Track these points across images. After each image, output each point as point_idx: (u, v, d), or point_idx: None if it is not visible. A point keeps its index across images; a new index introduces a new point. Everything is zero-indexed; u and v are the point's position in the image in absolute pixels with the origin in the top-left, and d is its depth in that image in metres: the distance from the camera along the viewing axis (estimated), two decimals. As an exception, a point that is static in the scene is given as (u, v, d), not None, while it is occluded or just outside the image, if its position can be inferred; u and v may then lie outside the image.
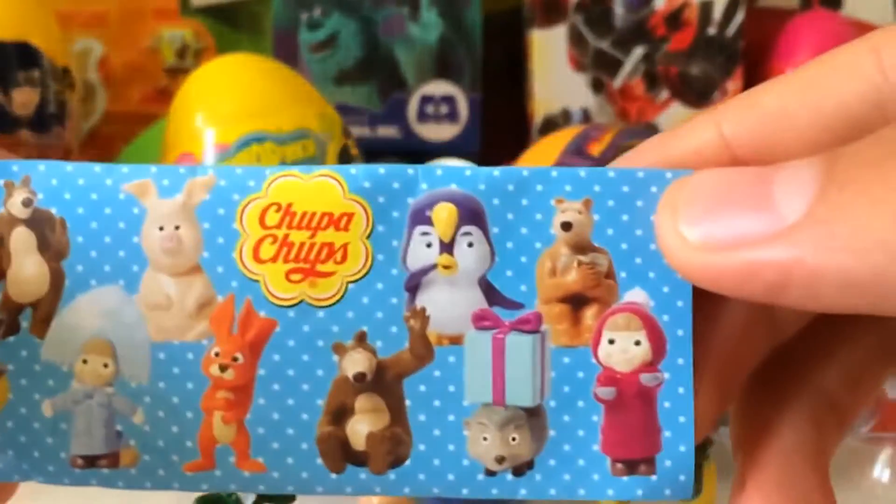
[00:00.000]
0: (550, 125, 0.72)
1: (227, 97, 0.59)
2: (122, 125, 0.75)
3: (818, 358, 0.27)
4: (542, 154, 0.63)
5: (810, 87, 0.25)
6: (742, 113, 0.26)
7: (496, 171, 0.26)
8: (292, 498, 0.50)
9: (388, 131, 0.73)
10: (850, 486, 0.57)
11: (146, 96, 0.77)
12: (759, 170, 0.24)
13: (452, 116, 0.72)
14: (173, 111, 0.61)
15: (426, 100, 0.72)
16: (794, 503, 0.26)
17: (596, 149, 0.60)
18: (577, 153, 0.61)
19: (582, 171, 0.26)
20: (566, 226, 0.26)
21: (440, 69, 0.72)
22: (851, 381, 0.27)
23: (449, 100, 0.72)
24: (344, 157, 0.61)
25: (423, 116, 0.72)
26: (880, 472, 0.58)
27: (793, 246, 0.22)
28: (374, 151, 0.71)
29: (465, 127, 0.72)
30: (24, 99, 0.59)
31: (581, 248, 0.26)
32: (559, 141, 0.63)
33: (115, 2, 0.75)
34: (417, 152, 0.72)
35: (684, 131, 0.27)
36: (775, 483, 0.26)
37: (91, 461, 0.27)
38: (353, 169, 0.26)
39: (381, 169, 0.26)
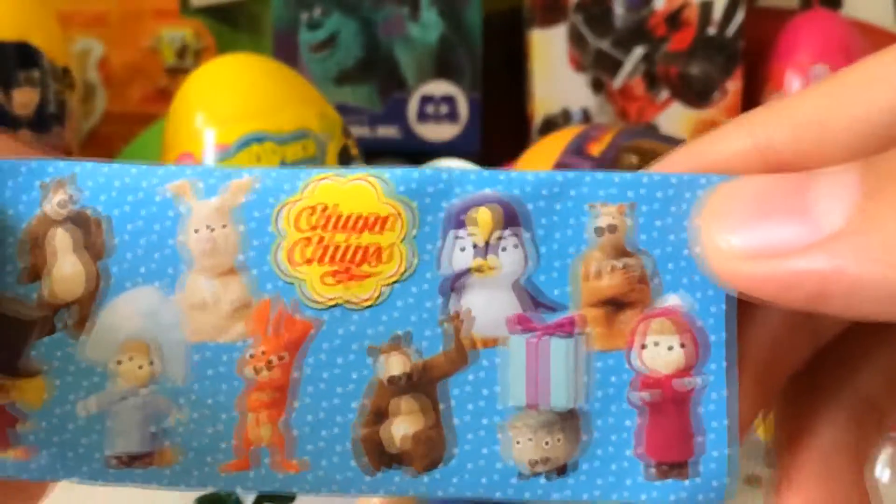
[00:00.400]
0: (550, 125, 0.72)
1: (227, 97, 0.59)
2: (122, 125, 0.74)
3: (858, 360, 0.27)
4: (543, 154, 0.63)
5: (845, 94, 0.25)
6: (776, 121, 0.25)
7: (530, 176, 0.26)
8: (292, 497, 0.50)
9: (388, 131, 0.73)
10: (851, 485, 0.57)
11: (146, 96, 0.76)
12: (796, 176, 0.24)
13: (452, 116, 0.72)
14: (173, 111, 0.61)
15: (426, 100, 0.72)
16: (834, 501, 0.26)
17: (596, 149, 0.60)
18: (577, 153, 0.61)
19: (616, 177, 0.26)
20: (600, 231, 0.26)
21: (440, 69, 0.72)
22: (891, 384, 0.27)
23: (449, 100, 0.72)
24: (344, 157, 0.61)
25: (423, 116, 0.72)
26: (880, 472, 0.58)
27: (833, 256, 0.22)
28: (374, 151, 0.71)
29: (465, 127, 0.72)
30: (24, 99, 0.59)
31: (615, 253, 0.26)
32: (559, 141, 0.63)
33: (115, 2, 0.75)
34: (417, 152, 0.72)
35: (716, 139, 0.26)
36: (816, 481, 0.26)
37: (127, 462, 0.26)
38: (388, 173, 0.26)
39: (416, 173, 0.26)
